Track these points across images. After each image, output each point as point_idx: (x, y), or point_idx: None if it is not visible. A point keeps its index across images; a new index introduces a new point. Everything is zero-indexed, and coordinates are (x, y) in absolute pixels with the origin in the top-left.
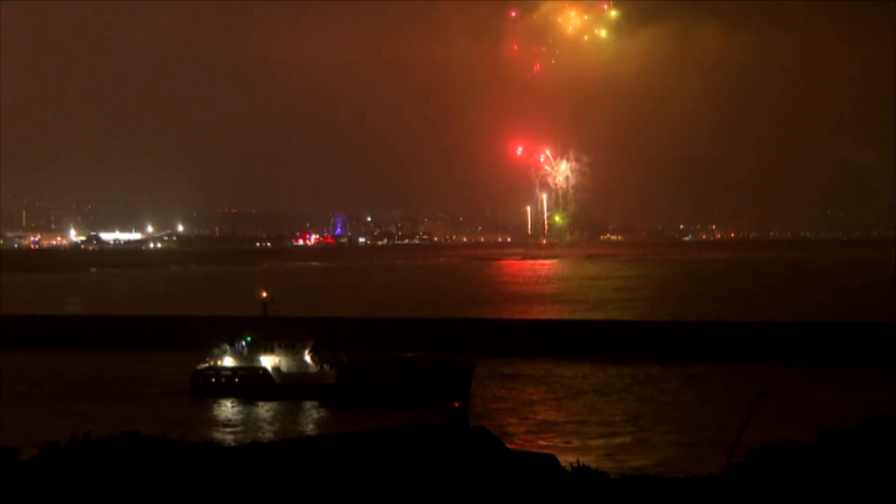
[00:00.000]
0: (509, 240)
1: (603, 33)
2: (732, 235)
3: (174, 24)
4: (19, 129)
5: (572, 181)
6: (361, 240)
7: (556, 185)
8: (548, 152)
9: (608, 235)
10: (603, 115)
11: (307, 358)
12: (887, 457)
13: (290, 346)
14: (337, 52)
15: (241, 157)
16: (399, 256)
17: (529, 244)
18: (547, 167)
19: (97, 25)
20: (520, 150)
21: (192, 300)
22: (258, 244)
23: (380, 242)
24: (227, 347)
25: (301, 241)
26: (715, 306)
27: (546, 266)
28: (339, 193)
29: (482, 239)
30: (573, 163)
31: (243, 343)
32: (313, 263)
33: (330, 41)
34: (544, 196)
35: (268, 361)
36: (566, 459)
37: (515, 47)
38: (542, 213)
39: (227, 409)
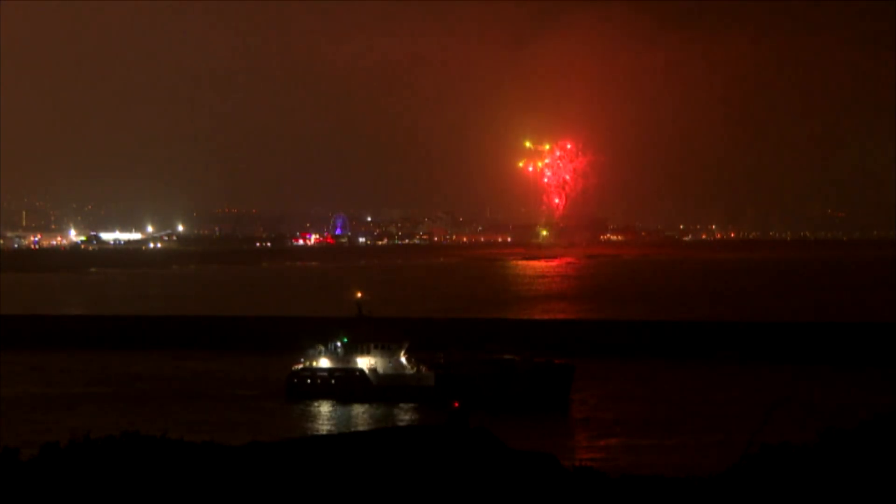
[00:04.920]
0: (509, 240)
1: None
2: (732, 235)
3: (173, 25)
4: (20, 129)
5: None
6: (361, 240)
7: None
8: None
9: (608, 235)
10: (604, 116)
11: (403, 359)
12: (887, 457)
13: (386, 347)
14: (337, 53)
15: (241, 157)
16: (399, 256)
17: (530, 244)
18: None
19: (97, 26)
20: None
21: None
22: (258, 244)
23: (380, 242)
24: (322, 348)
25: (301, 241)
26: (716, 307)
27: (550, 266)
28: (339, 193)
29: (482, 239)
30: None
31: (338, 343)
32: (313, 263)
33: (330, 43)
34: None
35: (364, 363)
36: (572, 458)
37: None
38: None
39: (325, 410)
